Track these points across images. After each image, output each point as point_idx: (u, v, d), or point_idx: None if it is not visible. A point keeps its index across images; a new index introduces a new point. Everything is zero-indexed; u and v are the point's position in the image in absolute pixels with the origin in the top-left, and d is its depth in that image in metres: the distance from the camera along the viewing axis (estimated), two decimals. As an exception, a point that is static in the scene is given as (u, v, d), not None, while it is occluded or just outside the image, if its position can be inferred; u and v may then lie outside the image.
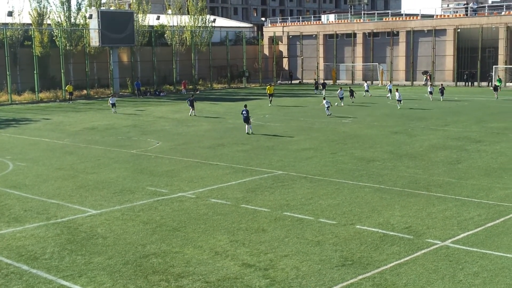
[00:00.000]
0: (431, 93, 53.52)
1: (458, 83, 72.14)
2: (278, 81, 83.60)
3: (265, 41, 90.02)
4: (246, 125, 34.27)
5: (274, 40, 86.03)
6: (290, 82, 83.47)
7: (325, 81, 68.93)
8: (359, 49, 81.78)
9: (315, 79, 75.14)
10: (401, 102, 46.91)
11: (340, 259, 13.78)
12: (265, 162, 25.66)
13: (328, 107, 42.15)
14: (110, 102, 48.10)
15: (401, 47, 78.26)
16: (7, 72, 58.38)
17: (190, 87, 71.93)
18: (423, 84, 72.37)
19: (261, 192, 20.36)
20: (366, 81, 66.29)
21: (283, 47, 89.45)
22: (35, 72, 60.12)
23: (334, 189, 20.65)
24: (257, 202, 19.02)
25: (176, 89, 71.27)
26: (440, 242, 14.81)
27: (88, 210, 18.46)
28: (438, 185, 20.91)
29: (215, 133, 34.92)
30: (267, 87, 55.11)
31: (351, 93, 52.91)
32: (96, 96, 64.83)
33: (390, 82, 64.67)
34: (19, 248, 14.95)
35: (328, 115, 41.70)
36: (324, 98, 43.89)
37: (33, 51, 61.01)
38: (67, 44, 65.26)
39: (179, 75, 74.42)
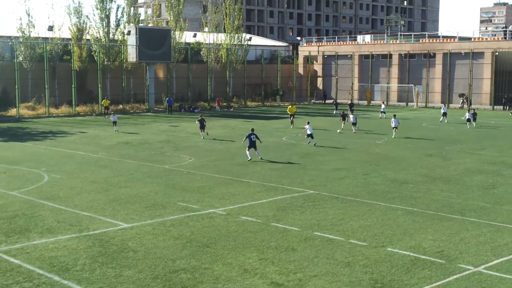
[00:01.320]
0: (468, 120, 49.13)
1: (495, 107, 71.05)
2: (312, 101, 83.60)
3: (300, 60, 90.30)
4: (249, 150, 31.36)
5: (309, 59, 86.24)
6: (324, 101, 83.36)
7: (353, 102, 64.00)
8: (394, 70, 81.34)
9: (333, 99, 73.38)
10: (397, 129, 42.03)
11: (370, 281, 13.62)
12: (297, 181, 25.60)
13: (309, 134, 37.01)
14: (112, 119, 46.66)
15: (438, 69, 77.56)
16: (46, 86, 59.63)
17: (224, 104, 72.47)
18: (460, 107, 71.53)
19: (292, 211, 20.29)
20: (383, 102, 65.04)
21: (317, 67, 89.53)
22: (73, 86, 61.32)
23: (366, 210, 20.47)
24: (287, 221, 18.96)
25: (210, 106, 71.79)
26: (473, 267, 14.53)
27: (120, 224, 18.64)
28: (473, 209, 20.57)
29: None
30: (288, 107, 51.62)
31: (343, 117, 46.90)
32: (132, 111, 65.70)
33: (444, 105, 60.85)
34: (51, 259, 15.15)
35: (308, 143, 37.24)
36: (308, 123, 37.68)
37: (72, 65, 62.30)
38: (105, 59, 66.45)
39: (213, 92, 75.01)
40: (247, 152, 31.40)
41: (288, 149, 35.49)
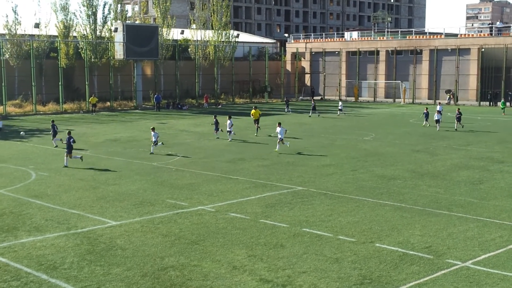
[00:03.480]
0: (437, 121, 44.29)
1: (481, 103, 71.53)
2: (300, 97, 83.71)
3: (288, 57, 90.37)
4: (67, 156, 28.70)
5: (296, 56, 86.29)
6: (312, 98, 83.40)
7: (288, 99, 61.33)
8: (381, 67, 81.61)
9: (286, 98, 70.36)
10: (282, 141, 33.55)
11: (359, 277, 13.68)
12: (285, 178, 25.63)
13: (155, 142, 32.77)
14: None
15: (424, 66, 77.94)
16: (33, 83, 59.22)
17: (212, 101, 72.40)
18: (446, 103, 71.91)
19: (281, 208, 20.32)
20: (340, 99, 64.59)
21: (305, 63, 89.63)
22: (60, 83, 60.94)
23: (354, 206, 20.54)
24: (276, 218, 18.98)
25: (198, 103, 71.68)
26: (460, 262, 14.64)
27: (108, 221, 18.58)
28: (460, 205, 20.70)
29: (235, 148, 34.97)
30: (251, 111, 42.99)
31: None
32: (119, 108, 65.43)
33: (440, 103, 55.12)
34: (39, 257, 15.08)
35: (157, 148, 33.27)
36: (153, 129, 33.29)
37: (59, 62, 61.92)
38: (92, 57, 66.11)
39: (201, 89, 74.89)
40: (68, 157, 28.90)
41: (276, 146, 35.47)
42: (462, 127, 44.19)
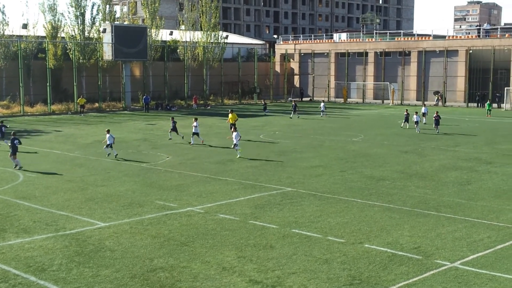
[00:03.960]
0: (416, 123, 43.75)
1: (469, 104, 71.97)
2: (289, 98, 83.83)
3: (277, 58, 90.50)
4: (12, 157, 28.10)
5: (285, 57, 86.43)
6: (300, 99, 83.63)
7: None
8: (370, 68, 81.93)
9: (263, 100, 69.41)
10: (238, 147, 31.72)
11: (348, 278, 13.71)
12: (274, 179, 25.64)
13: (109, 144, 31.33)
14: None
15: (413, 67, 78.33)
16: (20, 84, 58.89)
17: (201, 102, 72.35)
18: (434, 104, 72.32)
19: (270, 209, 20.32)
20: (323, 101, 64.05)
21: (294, 65, 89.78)
22: (48, 84, 60.65)
23: (343, 207, 20.59)
24: (265, 219, 18.98)
25: (187, 104, 71.60)
26: (449, 263, 14.70)
27: (96, 223, 18.50)
28: (448, 205, 20.80)
29: (224, 149, 34.91)
30: (229, 116, 40.58)
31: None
32: (108, 109, 65.20)
33: (424, 105, 56.65)
34: (27, 259, 14.98)
35: (108, 155, 31.46)
36: (108, 131, 32.08)
37: (47, 63, 61.62)
38: (80, 57, 65.83)
39: (190, 90, 74.81)
40: (13, 159, 28.20)
41: (265, 147, 35.53)
42: (438, 132, 43.04)
